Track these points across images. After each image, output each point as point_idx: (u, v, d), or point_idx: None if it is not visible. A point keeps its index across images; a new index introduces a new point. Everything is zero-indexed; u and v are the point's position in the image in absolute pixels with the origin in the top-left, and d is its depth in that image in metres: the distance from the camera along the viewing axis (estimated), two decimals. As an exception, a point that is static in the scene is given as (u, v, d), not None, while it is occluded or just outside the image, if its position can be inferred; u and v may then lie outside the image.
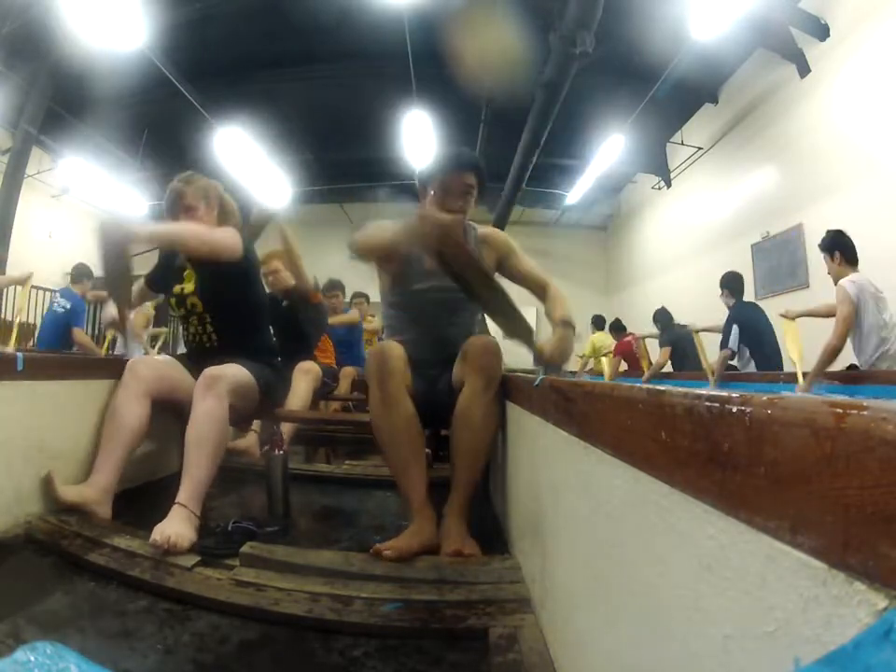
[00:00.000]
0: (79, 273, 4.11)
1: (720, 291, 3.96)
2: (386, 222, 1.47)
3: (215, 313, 1.71)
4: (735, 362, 3.80)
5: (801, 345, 2.98)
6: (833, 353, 2.73)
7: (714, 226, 6.35)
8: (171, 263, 1.81)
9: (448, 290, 1.51)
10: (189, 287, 1.72)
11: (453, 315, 1.55)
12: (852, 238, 2.96)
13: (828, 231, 3.04)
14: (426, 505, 1.22)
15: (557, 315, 1.43)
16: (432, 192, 1.49)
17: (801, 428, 0.26)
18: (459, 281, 1.23)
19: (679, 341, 4.75)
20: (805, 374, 2.86)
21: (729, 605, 0.32)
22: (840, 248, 2.90)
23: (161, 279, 1.87)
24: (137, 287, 1.91)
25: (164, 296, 1.88)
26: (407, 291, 1.55)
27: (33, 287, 5.26)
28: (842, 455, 0.24)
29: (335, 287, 3.63)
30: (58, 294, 4.15)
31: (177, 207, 1.68)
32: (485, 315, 1.49)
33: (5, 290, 4.87)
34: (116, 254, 1.47)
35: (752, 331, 3.64)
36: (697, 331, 4.11)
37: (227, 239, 1.64)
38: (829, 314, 2.99)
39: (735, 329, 3.66)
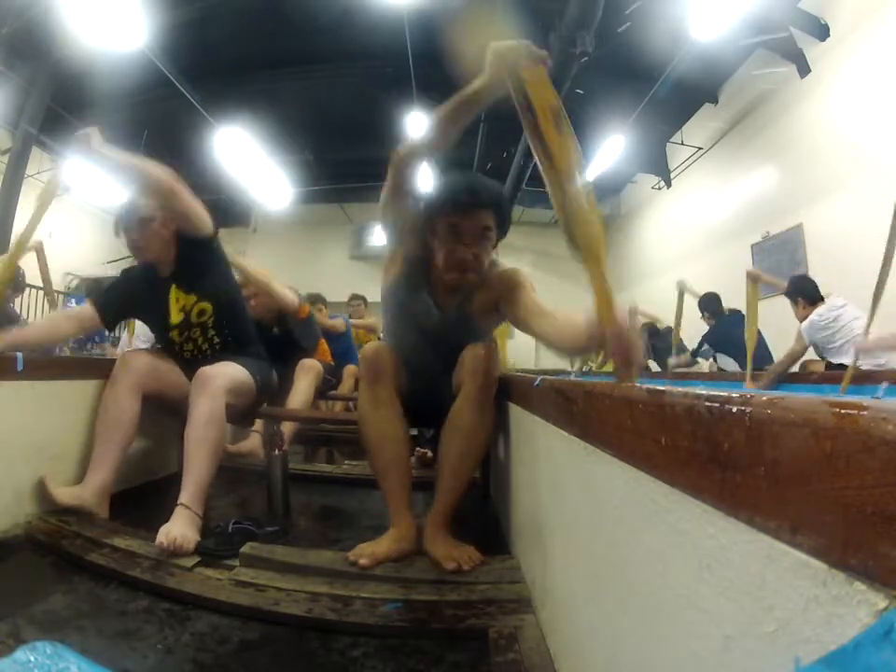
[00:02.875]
0: (91, 290, 4.20)
1: (700, 314, 4.22)
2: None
3: (222, 312, 1.67)
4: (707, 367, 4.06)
5: (756, 326, 3.00)
6: (776, 375, 3.08)
7: (714, 226, 6.34)
8: (142, 291, 1.67)
9: (449, 325, 1.37)
10: (187, 300, 1.64)
11: (453, 337, 1.37)
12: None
13: (790, 279, 3.36)
14: (406, 510, 1.19)
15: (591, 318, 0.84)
16: (437, 237, 1.25)
17: (801, 428, 0.26)
18: (535, 132, 0.84)
19: (658, 353, 5.05)
20: (757, 372, 3.10)
21: (729, 605, 0.32)
22: (801, 294, 3.19)
23: (129, 309, 1.75)
24: (74, 313, 1.76)
25: (152, 328, 1.75)
26: (409, 304, 1.39)
27: (33, 287, 5.27)
28: (842, 455, 0.24)
29: (317, 300, 3.52)
30: (73, 301, 4.23)
31: (133, 217, 1.59)
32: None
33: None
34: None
35: (727, 345, 3.85)
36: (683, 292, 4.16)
37: (202, 208, 1.60)
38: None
39: (705, 345, 4.04)
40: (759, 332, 3.73)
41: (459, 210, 1.21)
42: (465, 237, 1.23)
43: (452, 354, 1.32)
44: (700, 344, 4.12)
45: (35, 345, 1.61)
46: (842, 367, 2.95)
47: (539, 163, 0.84)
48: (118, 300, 1.71)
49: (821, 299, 3.11)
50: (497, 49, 0.97)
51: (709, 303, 4.19)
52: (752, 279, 3.06)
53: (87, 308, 1.70)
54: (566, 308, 1.10)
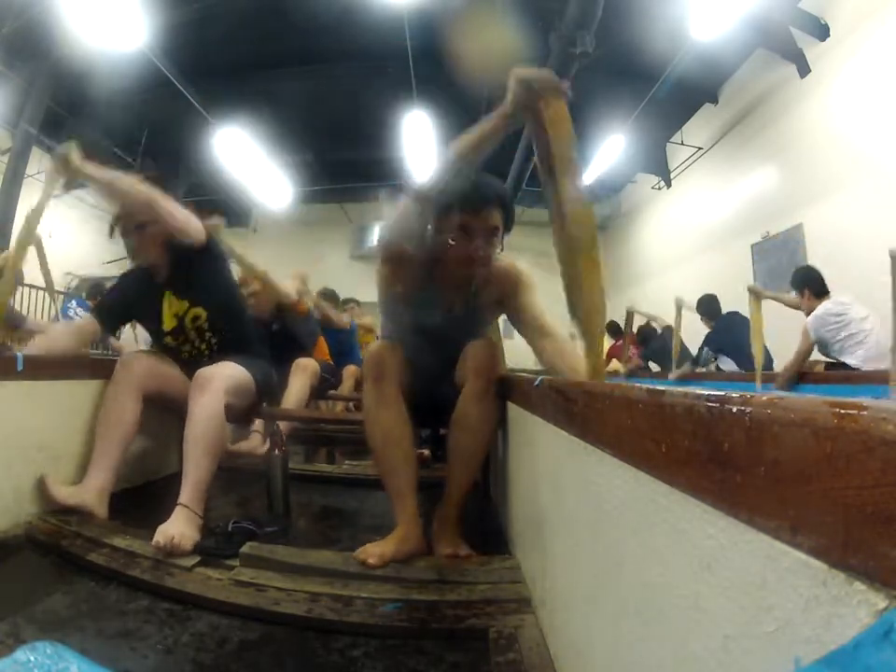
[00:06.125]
0: (94, 290, 4.20)
1: (699, 317, 4.22)
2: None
3: (217, 315, 1.68)
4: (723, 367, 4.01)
5: (762, 341, 2.99)
6: (789, 375, 3.02)
7: (714, 226, 6.35)
8: (139, 296, 1.69)
9: (454, 323, 1.40)
10: (180, 306, 1.65)
11: (456, 335, 1.40)
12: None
13: (796, 270, 3.31)
14: (413, 509, 1.18)
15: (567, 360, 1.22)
16: (446, 234, 1.27)
17: (801, 428, 0.26)
18: (545, 156, 0.96)
19: (655, 354, 5.08)
20: (768, 374, 3.07)
21: (729, 605, 0.32)
22: (808, 284, 3.13)
23: (127, 313, 1.77)
24: (74, 328, 1.81)
25: (149, 332, 1.77)
26: (412, 311, 1.42)
27: (33, 287, 5.27)
28: (842, 455, 0.24)
29: (331, 296, 3.56)
30: (74, 302, 4.22)
31: (128, 223, 1.60)
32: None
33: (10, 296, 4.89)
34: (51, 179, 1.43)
35: (729, 346, 3.85)
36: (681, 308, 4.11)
37: (192, 217, 1.59)
38: (792, 305, 3.27)
39: (706, 349, 4.03)
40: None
41: (469, 209, 1.25)
42: (475, 234, 1.26)
43: (454, 352, 1.35)
44: (700, 350, 4.12)
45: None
46: (844, 366, 2.95)
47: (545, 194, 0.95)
48: (116, 306, 1.75)
49: (827, 292, 3.06)
50: (522, 76, 1.00)
51: (707, 305, 4.17)
52: (755, 295, 3.00)
53: (86, 322, 1.75)
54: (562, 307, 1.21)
